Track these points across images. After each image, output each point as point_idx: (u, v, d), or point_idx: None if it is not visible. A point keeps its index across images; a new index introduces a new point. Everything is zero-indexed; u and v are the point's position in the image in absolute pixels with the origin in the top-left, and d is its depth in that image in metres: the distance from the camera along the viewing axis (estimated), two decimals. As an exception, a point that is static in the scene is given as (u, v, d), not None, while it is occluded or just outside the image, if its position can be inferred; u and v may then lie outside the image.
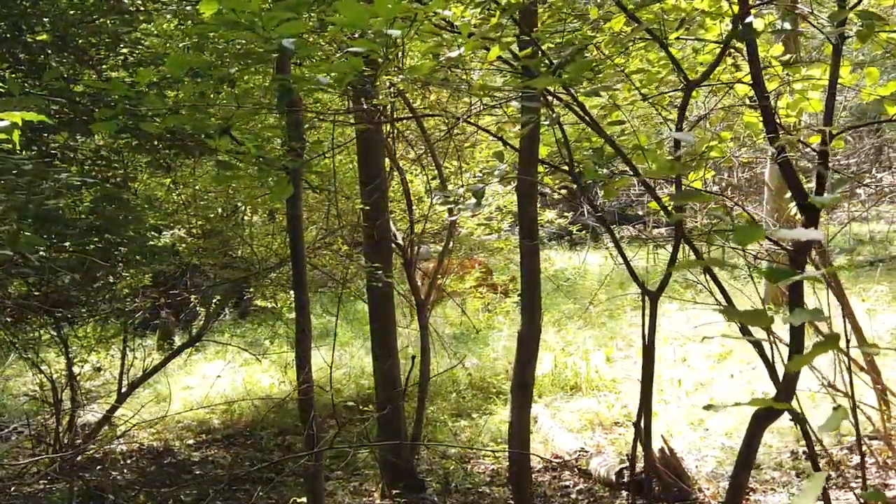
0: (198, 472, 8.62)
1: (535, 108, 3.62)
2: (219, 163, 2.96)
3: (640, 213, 26.36)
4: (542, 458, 7.98)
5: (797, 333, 3.96)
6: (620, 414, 9.24)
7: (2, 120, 2.10)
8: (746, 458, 4.16)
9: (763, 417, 4.17)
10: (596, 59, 3.29)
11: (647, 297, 3.12)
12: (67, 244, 4.52)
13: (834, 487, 6.70)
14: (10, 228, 2.93)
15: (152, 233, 5.59)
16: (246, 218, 10.76)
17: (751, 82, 3.77)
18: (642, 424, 3.37)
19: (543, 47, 3.15)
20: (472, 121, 6.44)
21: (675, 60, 3.24)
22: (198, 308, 13.61)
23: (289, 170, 2.84)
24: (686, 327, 10.97)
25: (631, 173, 3.61)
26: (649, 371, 3.20)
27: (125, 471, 8.66)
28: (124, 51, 5.03)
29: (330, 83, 2.48)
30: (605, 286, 14.99)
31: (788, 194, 9.42)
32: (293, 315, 12.60)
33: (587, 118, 3.16)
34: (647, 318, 3.30)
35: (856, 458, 7.12)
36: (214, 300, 10.56)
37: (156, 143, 5.09)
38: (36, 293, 4.94)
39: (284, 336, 13.24)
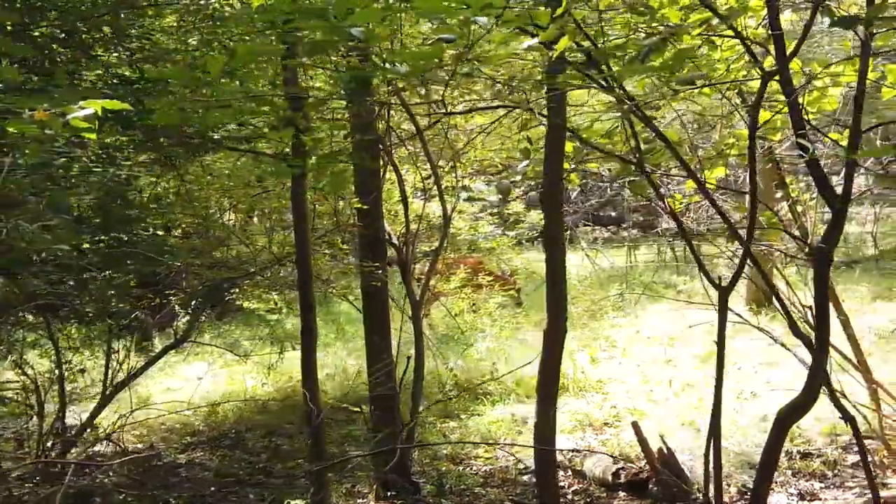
0: (184, 475, 8.49)
1: (562, 104, 3.59)
2: (281, 156, 2.90)
3: (613, 214, 26.50)
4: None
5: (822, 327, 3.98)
6: (609, 415, 9.25)
7: (83, 108, 2.02)
8: (769, 462, 4.17)
9: (786, 418, 4.18)
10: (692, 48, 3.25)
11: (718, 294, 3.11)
12: (85, 243, 4.42)
13: (832, 487, 6.75)
14: (52, 224, 2.84)
15: (163, 232, 5.50)
16: (231, 218, 10.64)
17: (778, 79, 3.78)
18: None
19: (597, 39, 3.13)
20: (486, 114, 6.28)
21: (752, 51, 3.23)
22: (177, 309, 13.41)
23: (357, 162, 2.79)
24: (676, 327, 11.02)
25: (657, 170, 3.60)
26: (721, 368, 3.18)
27: (110, 473, 8.50)
28: (132, 46, 4.92)
29: (407, 72, 2.43)
30: (586, 287, 15.07)
31: (779, 194, 9.41)
32: (276, 317, 12.49)
33: (638, 112, 3.15)
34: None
35: (851, 458, 7.18)
36: (195, 300, 10.38)
37: (161, 140, 5.00)
38: (44, 292, 4.83)
39: (269, 337, 13.13)
